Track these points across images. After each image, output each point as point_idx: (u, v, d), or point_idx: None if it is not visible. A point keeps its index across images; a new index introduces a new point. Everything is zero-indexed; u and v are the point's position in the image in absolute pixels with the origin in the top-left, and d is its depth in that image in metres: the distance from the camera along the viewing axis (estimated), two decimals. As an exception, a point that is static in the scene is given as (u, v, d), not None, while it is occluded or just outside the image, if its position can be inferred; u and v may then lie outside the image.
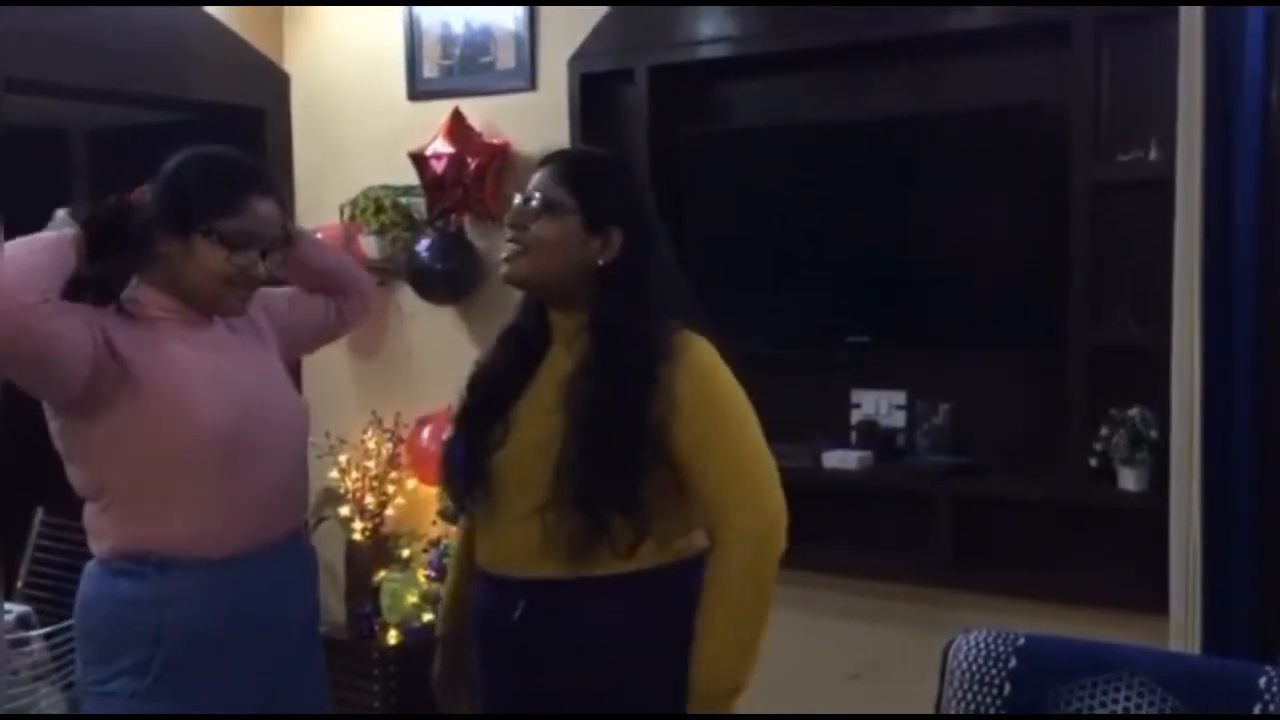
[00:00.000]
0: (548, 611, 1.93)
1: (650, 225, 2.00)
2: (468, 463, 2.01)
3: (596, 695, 1.92)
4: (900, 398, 3.59)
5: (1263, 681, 1.71)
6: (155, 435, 1.96)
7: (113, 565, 2.02)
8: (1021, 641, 1.89)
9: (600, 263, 1.95)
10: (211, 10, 4.26)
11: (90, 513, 2.05)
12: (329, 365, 4.15)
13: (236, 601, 2.01)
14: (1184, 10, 2.87)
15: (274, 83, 4.48)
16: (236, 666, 2.02)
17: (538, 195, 1.96)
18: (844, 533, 3.59)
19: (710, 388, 1.92)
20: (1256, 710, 1.70)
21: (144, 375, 1.95)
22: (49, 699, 3.20)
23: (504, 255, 1.99)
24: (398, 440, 4.21)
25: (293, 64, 4.53)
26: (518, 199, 2.00)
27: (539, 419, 1.93)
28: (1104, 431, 3.13)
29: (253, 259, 2.03)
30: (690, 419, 1.89)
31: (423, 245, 4.13)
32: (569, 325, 1.99)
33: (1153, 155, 3.08)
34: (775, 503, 1.92)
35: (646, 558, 1.91)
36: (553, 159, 2.02)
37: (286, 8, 4.49)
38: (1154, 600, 2.97)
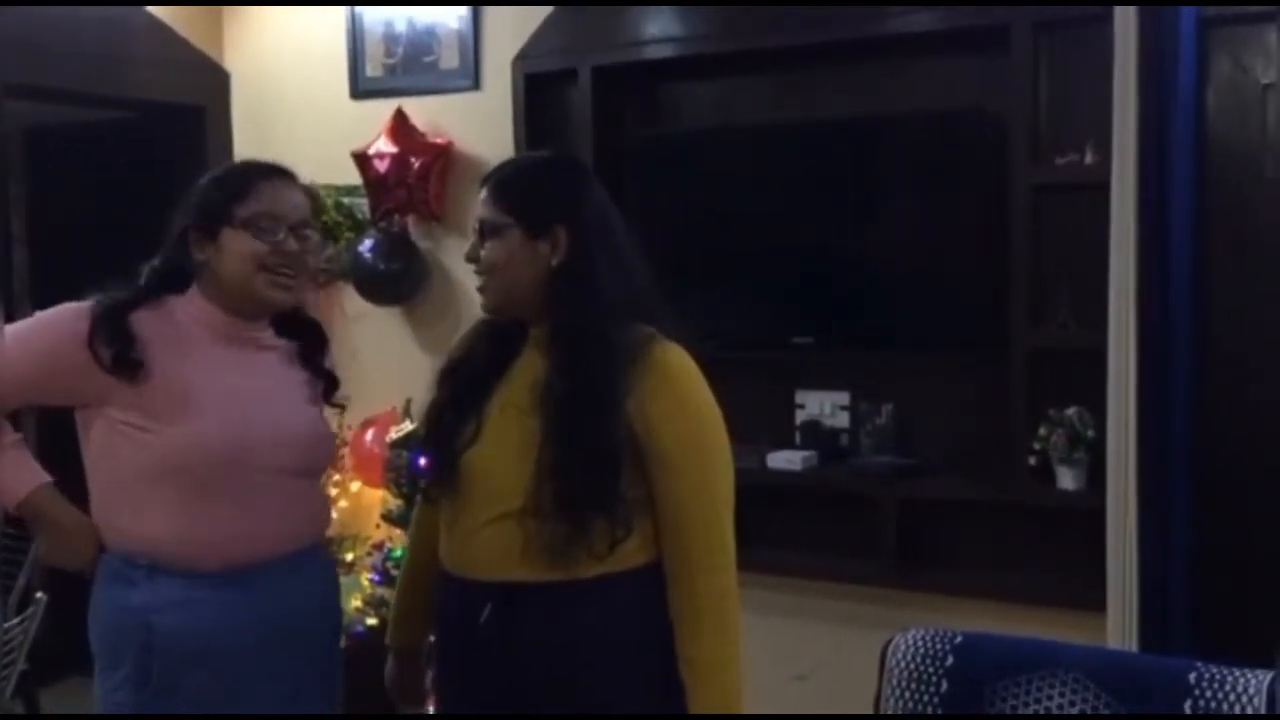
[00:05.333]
0: (516, 615, 1.90)
1: (598, 217, 1.98)
2: (436, 460, 2.00)
3: (564, 699, 1.90)
4: (844, 398, 3.61)
5: (1193, 677, 1.74)
6: (146, 442, 1.97)
7: (112, 564, 2.02)
8: (959, 640, 1.91)
9: (554, 264, 1.94)
10: (150, 8, 4.20)
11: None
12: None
13: (228, 615, 1.99)
14: (1118, 13, 2.91)
15: (214, 81, 4.43)
16: (235, 681, 2.00)
17: (478, 223, 1.98)
18: (788, 533, 3.60)
19: (687, 401, 1.91)
20: (1187, 706, 1.72)
21: (155, 383, 1.97)
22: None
23: (476, 288, 2.01)
24: (341, 443, 4.17)
25: (233, 62, 4.48)
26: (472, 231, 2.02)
27: (515, 419, 1.91)
28: (1043, 431, 3.17)
29: (278, 237, 2.03)
30: (664, 433, 1.88)
31: (366, 246, 4.10)
32: (543, 332, 1.97)
33: (1089, 159, 3.12)
34: (729, 546, 1.92)
35: (620, 560, 1.89)
36: (484, 180, 2.02)
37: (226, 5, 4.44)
38: (1092, 598, 3.01)
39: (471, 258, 1.99)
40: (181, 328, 2.04)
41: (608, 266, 1.94)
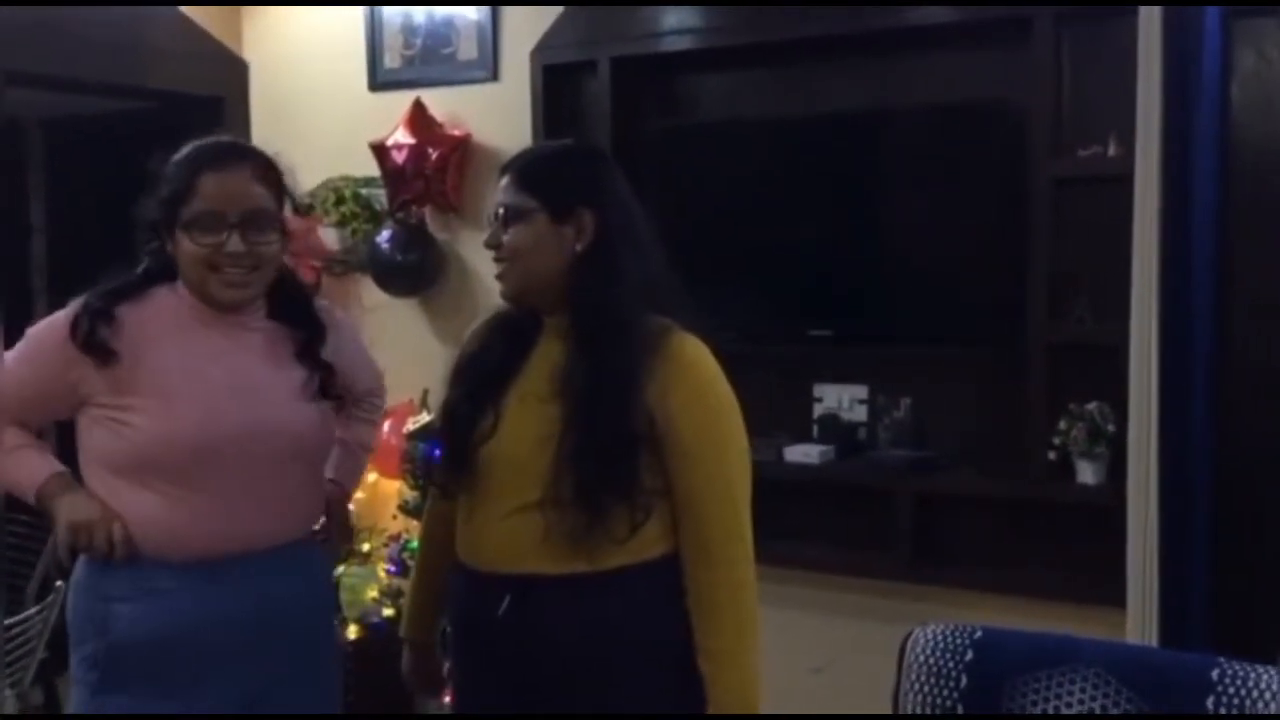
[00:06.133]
0: (534, 608, 1.90)
1: (622, 203, 1.98)
2: (453, 454, 1.98)
3: (581, 692, 1.90)
4: (862, 392, 3.59)
5: (1215, 674, 1.73)
6: (121, 433, 1.96)
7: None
8: (978, 634, 1.90)
9: (579, 248, 1.93)
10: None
11: None
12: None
13: (189, 607, 1.97)
14: (1143, 8, 2.90)
15: (232, 71, 4.43)
16: (189, 672, 1.97)
17: (500, 209, 1.96)
18: (805, 527, 3.59)
19: (705, 391, 1.91)
20: (1209, 702, 1.71)
21: (129, 373, 1.96)
22: (-1, 694, 3.16)
23: (495, 276, 1.98)
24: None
25: (252, 53, 4.48)
26: (487, 219, 1.99)
27: (534, 409, 1.90)
28: (1063, 425, 3.15)
29: (220, 237, 1.95)
30: (682, 424, 1.88)
31: (383, 237, 4.10)
32: (555, 321, 1.97)
33: (1111, 152, 3.10)
34: (746, 537, 1.92)
35: (638, 551, 1.89)
36: (505, 168, 2.01)
37: (246, -4, 4.45)
38: (1112, 593, 3.00)
39: (493, 244, 1.97)
40: (164, 318, 2.01)
41: (630, 254, 1.93)
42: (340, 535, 2.35)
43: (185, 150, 2.04)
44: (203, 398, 1.98)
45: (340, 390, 2.17)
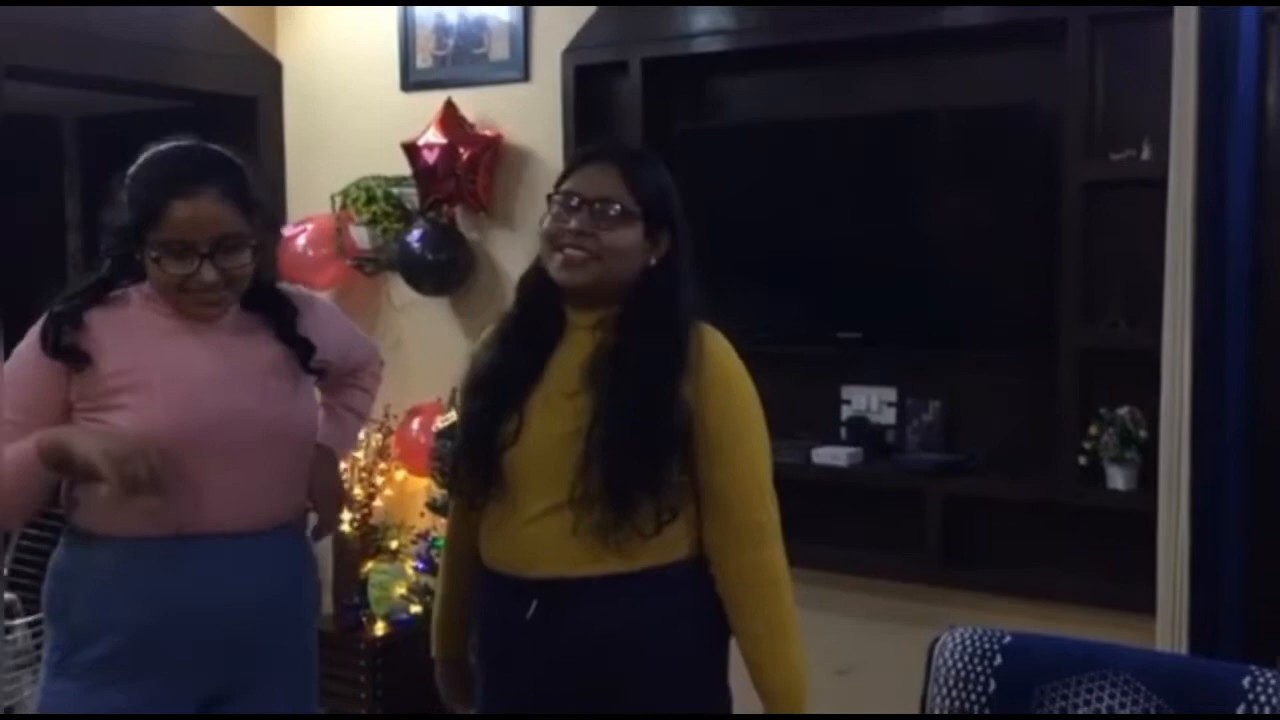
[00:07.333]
0: (562, 610, 1.90)
1: (683, 220, 2.00)
2: (478, 464, 1.97)
3: (606, 693, 1.90)
4: (891, 394, 3.58)
5: (1246, 682, 1.71)
6: (87, 421, 1.95)
7: (66, 535, 2.03)
8: (1007, 640, 1.89)
9: (653, 262, 1.94)
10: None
11: None
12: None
13: (157, 598, 1.94)
14: (1178, 10, 2.87)
15: (266, 71, 4.46)
16: (144, 667, 1.95)
17: (616, 205, 1.90)
18: (832, 529, 3.58)
19: (733, 384, 1.94)
20: (1240, 710, 1.70)
21: (103, 374, 1.94)
22: (31, 686, 3.19)
23: (563, 259, 1.90)
24: (387, 431, 4.20)
25: (285, 53, 4.51)
26: (574, 201, 1.91)
27: (560, 406, 1.90)
28: (1093, 431, 3.13)
29: (191, 267, 1.92)
30: (712, 417, 1.89)
31: (414, 236, 4.12)
32: (590, 319, 1.95)
33: (1145, 155, 3.07)
34: (775, 522, 1.94)
35: (665, 551, 1.90)
36: (614, 159, 1.96)
37: (280, -4, 4.48)
38: (1141, 600, 2.98)
39: (586, 230, 1.89)
40: (134, 316, 2.00)
41: (690, 271, 1.96)
42: (324, 504, 2.18)
43: (147, 164, 1.99)
44: (182, 391, 1.95)
45: (322, 364, 2.13)
